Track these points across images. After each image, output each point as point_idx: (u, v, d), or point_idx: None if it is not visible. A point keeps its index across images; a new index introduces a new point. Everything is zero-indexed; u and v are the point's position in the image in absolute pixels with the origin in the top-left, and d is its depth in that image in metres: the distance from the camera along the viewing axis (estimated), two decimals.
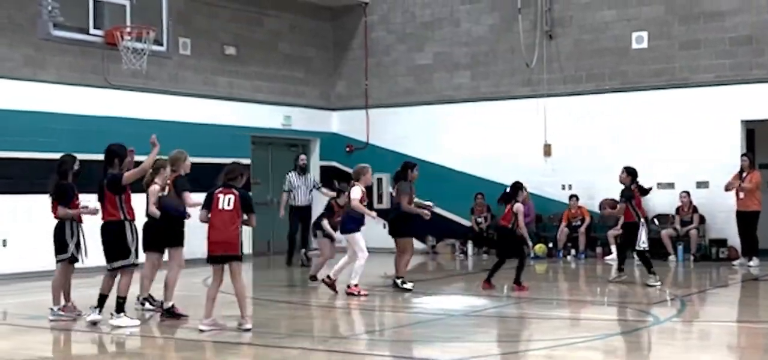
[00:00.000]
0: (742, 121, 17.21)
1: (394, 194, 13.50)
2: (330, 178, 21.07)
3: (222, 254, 9.51)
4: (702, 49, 17.48)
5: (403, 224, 13.03)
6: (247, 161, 19.18)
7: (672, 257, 16.99)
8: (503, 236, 13.00)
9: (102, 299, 10.12)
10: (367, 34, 20.92)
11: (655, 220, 17.66)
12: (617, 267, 13.89)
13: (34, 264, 15.20)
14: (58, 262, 10.67)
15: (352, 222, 12.50)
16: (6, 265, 15.13)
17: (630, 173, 13.62)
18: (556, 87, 18.74)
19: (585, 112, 18.40)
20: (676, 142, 17.57)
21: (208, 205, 9.56)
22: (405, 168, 13.19)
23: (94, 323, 10.01)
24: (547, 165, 18.71)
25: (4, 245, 15.28)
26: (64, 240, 10.50)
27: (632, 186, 13.54)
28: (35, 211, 15.24)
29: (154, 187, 10.56)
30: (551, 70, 18.79)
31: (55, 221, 10.60)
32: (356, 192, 12.43)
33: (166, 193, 10.59)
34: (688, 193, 17.36)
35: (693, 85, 17.48)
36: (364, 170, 12.64)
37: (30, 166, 15.49)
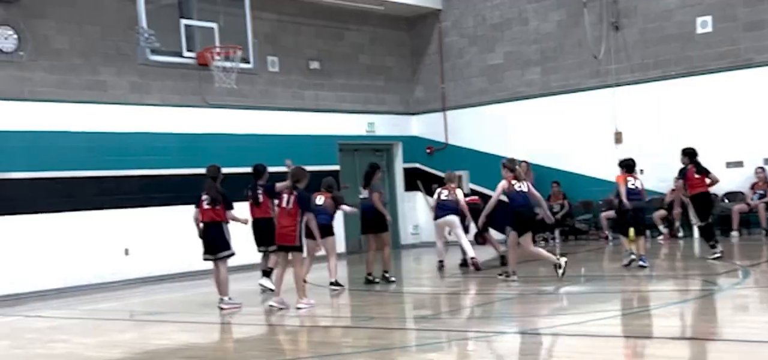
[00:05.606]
0: None
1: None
2: (413, 179, 22.22)
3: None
4: (766, 29, 17.59)
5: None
6: (336, 167, 20.04)
7: (734, 233, 17.29)
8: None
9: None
10: (441, 39, 21.80)
11: (725, 199, 18.16)
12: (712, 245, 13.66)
13: (153, 269, 16.83)
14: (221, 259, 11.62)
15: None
16: (128, 271, 16.68)
17: (687, 154, 13.98)
18: (624, 76, 19.16)
19: (653, 98, 18.79)
20: (742, 122, 17.80)
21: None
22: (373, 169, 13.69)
23: None
24: (618, 152, 19.30)
25: (127, 254, 16.76)
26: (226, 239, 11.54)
27: (690, 165, 13.81)
28: (151, 222, 16.82)
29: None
30: (619, 60, 19.21)
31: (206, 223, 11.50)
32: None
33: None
34: (763, 168, 17.53)
35: (757, 65, 17.66)
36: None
37: (141, 182, 16.95)
